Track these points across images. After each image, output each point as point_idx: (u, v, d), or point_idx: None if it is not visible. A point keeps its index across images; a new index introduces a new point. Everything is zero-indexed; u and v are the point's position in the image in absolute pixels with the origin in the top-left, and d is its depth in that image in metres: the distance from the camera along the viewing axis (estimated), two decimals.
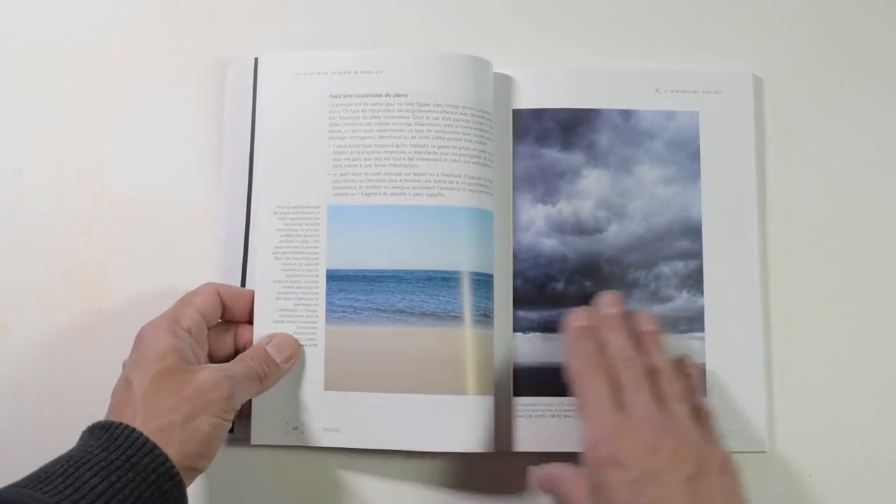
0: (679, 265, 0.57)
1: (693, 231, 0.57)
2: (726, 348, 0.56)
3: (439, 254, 0.55)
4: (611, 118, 0.58)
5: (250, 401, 0.55)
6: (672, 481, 0.42)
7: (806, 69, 0.61)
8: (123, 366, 0.49)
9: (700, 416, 0.47)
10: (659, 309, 0.57)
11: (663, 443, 0.43)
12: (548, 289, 0.57)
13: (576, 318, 0.51)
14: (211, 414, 0.46)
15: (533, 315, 0.57)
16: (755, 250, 0.57)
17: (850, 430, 0.56)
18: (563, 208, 0.57)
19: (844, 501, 0.56)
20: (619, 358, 0.48)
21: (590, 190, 0.58)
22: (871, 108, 0.60)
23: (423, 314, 0.54)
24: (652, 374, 0.48)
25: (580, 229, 0.57)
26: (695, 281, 0.57)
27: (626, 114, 0.58)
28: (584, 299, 0.56)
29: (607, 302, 0.52)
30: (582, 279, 0.57)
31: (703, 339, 0.56)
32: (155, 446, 0.43)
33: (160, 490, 0.43)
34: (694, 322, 0.57)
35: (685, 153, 0.58)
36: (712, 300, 0.57)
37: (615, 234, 0.57)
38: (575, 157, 0.58)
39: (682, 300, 0.57)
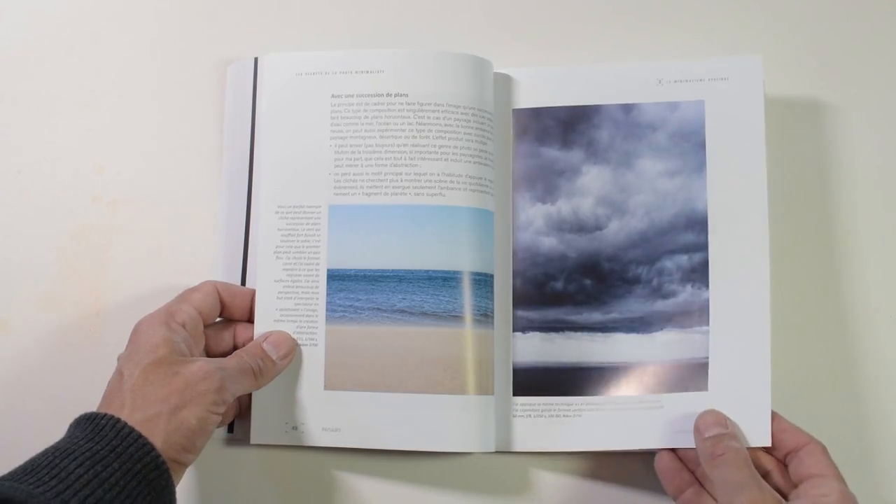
0: (683, 259, 0.56)
1: (698, 223, 0.56)
2: (731, 343, 0.55)
3: (440, 254, 0.55)
4: (611, 113, 0.58)
5: (250, 401, 0.55)
6: None
7: (807, 69, 0.61)
8: (118, 359, 0.49)
9: None
10: (662, 305, 0.57)
11: None
12: (547, 288, 0.57)
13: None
14: (199, 406, 0.46)
15: (532, 314, 0.57)
16: (764, 242, 0.55)
17: (853, 428, 0.56)
18: (563, 207, 0.57)
19: None
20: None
21: (589, 187, 0.57)
22: (872, 106, 0.60)
23: (424, 314, 0.54)
24: None
25: (580, 227, 0.57)
26: (699, 275, 0.56)
27: (628, 108, 0.58)
28: (584, 298, 0.56)
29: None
30: (581, 277, 0.57)
31: (707, 333, 0.55)
32: (140, 436, 0.43)
33: (146, 479, 0.43)
34: (698, 316, 0.56)
35: (690, 144, 0.57)
36: (718, 294, 0.55)
37: (616, 231, 0.57)
38: (574, 155, 0.57)
39: (685, 294, 0.56)
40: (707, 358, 0.55)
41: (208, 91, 0.60)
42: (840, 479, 0.49)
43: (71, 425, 0.45)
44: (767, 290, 0.55)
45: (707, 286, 0.56)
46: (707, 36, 0.61)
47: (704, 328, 0.55)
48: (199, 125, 0.60)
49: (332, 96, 0.56)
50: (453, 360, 0.54)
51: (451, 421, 0.53)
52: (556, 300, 0.57)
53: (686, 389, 0.55)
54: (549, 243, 0.57)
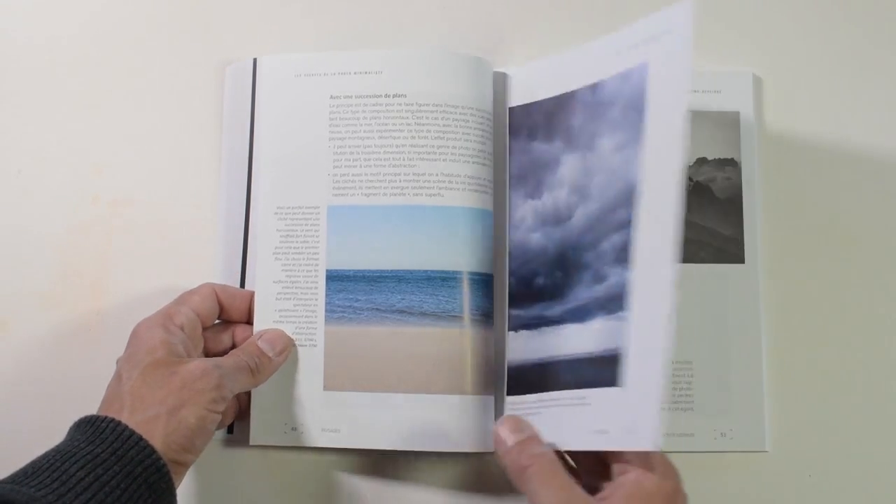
0: (616, 238, 0.50)
1: (630, 198, 0.50)
2: (640, 331, 0.48)
3: (438, 254, 0.55)
4: (582, 97, 0.54)
5: (249, 401, 0.55)
6: None
7: (806, 69, 0.60)
8: (117, 363, 0.49)
9: None
10: (597, 290, 0.51)
11: None
12: (533, 284, 0.55)
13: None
14: (197, 405, 0.46)
15: (521, 312, 0.55)
16: (673, 214, 0.48)
17: (850, 430, 0.56)
18: (546, 200, 0.55)
19: (844, 501, 0.56)
20: None
21: (565, 177, 0.54)
22: (872, 106, 0.60)
23: (423, 314, 0.54)
24: None
25: (556, 219, 0.54)
26: (627, 254, 0.49)
27: (594, 88, 0.53)
28: (554, 291, 0.53)
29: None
30: (555, 270, 0.54)
31: (624, 319, 0.49)
32: (141, 438, 0.43)
33: (147, 482, 0.43)
34: (622, 301, 0.49)
35: (636, 112, 0.50)
36: (636, 275, 0.49)
37: (579, 218, 0.52)
38: (555, 146, 0.55)
39: (615, 276, 0.50)
40: (619, 348, 0.48)
41: (208, 91, 0.60)
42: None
43: (71, 428, 0.45)
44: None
45: (630, 266, 0.49)
46: (702, 41, 0.61)
47: (623, 314, 0.48)
48: (198, 126, 0.60)
49: (331, 97, 0.56)
50: (453, 360, 0.54)
51: (451, 421, 0.53)
52: (539, 296, 0.54)
53: (605, 384, 0.48)
54: (536, 239, 0.55)
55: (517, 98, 0.58)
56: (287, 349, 0.54)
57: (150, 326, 0.50)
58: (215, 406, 0.47)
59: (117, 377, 0.48)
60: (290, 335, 0.55)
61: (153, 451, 0.43)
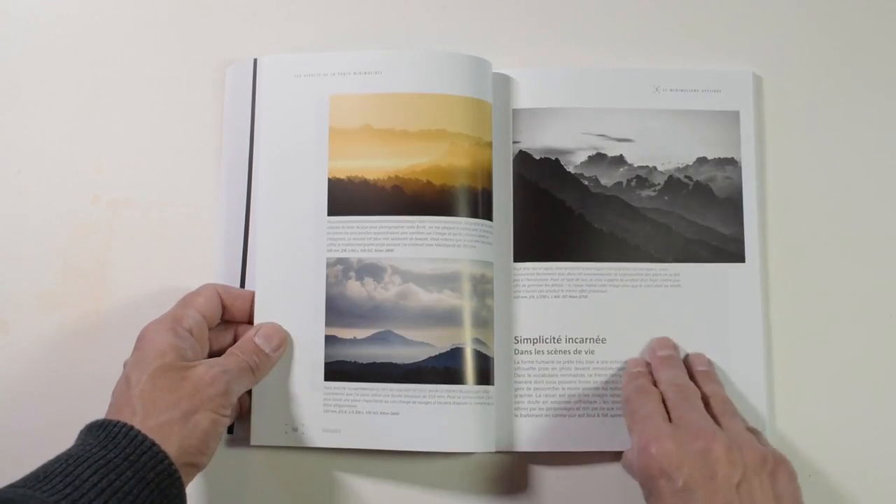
0: None
1: None
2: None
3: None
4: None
5: (250, 401, 0.55)
6: (721, 488, 0.44)
7: (806, 68, 0.61)
8: (124, 365, 0.49)
9: (752, 432, 0.50)
10: None
11: (713, 447, 0.45)
12: None
13: (633, 363, 0.54)
14: (209, 410, 0.46)
15: None
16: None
17: (850, 430, 0.56)
18: None
19: (844, 501, 0.56)
20: (670, 383, 0.51)
21: None
22: (871, 105, 0.60)
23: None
24: (705, 398, 0.51)
25: None
26: None
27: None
28: None
29: (659, 345, 0.55)
30: None
31: None
32: (154, 444, 0.44)
33: (159, 487, 0.43)
34: None
35: None
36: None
37: None
38: None
39: None
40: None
41: (208, 91, 0.60)
42: None
43: (82, 432, 0.45)
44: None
45: None
46: (706, 38, 0.61)
47: None
48: (198, 125, 0.60)
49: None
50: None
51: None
52: None
53: None
54: None
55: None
56: (283, 344, 0.54)
57: (157, 330, 0.49)
58: (224, 411, 0.48)
59: (125, 380, 0.47)
60: (284, 329, 0.55)
61: (165, 456, 0.44)
